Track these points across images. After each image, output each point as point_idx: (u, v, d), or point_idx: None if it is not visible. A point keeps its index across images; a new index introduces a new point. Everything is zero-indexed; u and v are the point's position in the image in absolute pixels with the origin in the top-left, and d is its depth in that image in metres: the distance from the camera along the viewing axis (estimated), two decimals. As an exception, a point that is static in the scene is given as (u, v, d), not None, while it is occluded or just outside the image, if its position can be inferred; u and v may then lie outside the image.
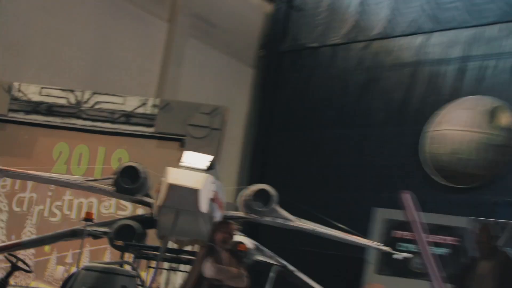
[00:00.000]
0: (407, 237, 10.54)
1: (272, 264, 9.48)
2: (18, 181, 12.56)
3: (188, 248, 9.02)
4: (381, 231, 10.90)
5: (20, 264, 8.36)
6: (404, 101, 14.60)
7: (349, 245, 10.02)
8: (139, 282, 7.08)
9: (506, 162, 12.79)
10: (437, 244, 10.52)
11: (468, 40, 14.05)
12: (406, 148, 14.22)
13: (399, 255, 9.48)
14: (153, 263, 8.40)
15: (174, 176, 7.58)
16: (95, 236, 9.53)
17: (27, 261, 9.71)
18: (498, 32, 13.74)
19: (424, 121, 13.91)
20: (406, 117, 14.49)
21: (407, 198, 9.64)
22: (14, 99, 12.96)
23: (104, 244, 10.29)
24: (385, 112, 14.74)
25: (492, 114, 13.13)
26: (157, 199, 7.94)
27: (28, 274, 10.42)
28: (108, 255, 11.84)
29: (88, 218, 8.90)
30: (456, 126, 13.35)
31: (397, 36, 15.25)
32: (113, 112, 13.06)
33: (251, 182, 12.59)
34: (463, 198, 12.75)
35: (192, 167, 7.94)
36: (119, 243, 8.84)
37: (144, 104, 13.10)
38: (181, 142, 12.68)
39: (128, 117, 13.03)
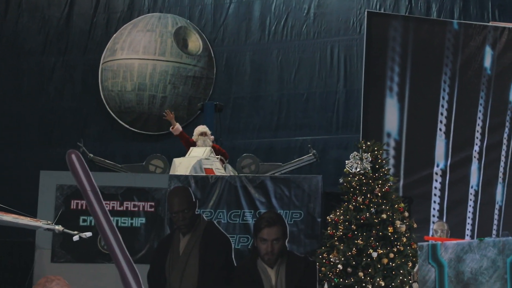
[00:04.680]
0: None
1: None
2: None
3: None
4: (56, 202, 9.70)
5: None
6: (67, 21, 13.11)
7: (10, 228, 8.91)
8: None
9: (205, 98, 12.37)
10: (131, 213, 9.74)
11: None
12: (78, 85, 12.97)
13: (75, 235, 8.49)
14: None
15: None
16: None
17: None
18: None
19: (95, 48, 12.87)
20: (72, 43, 13.06)
21: (74, 158, 8.89)
22: None
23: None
24: (43, 36, 13.18)
25: (178, 36, 12.68)
26: None
27: None
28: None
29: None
30: (136, 54, 12.61)
31: None
32: None
33: None
34: (160, 147, 12.11)
35: None
36: None
37: None
38: None
39: None
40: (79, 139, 11.22)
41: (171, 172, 9.66)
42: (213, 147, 9.90)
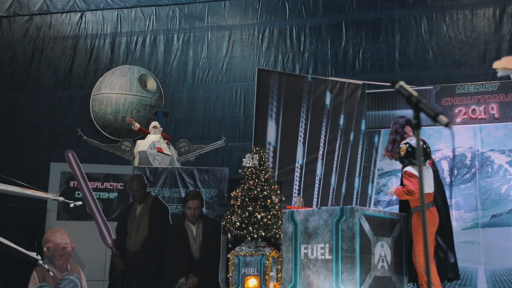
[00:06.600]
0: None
1: None
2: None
3: None
4: (60, 182, 9.35)
5: None
6: (70, 68, 12.81)
7: (30, 198, 8.50)
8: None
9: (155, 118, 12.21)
10: (108, 190, 9.47)
11: (116, 19, 12.87)
12: (76, 109, 12.56)
13: (71, 203, 8.21)
14: None
15: None
16: None
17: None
18: (140, 14, 12.88)
19: (88, 86, 12.52)
20: (73, 83, 12.68)
21: (70, 156, 8.82)
22: None
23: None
24: (55, 78, 12.75)
25: (141, 80, 12.50)
26: None
27: None
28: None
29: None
30: (114, 90, 12.38)
31: (55, 12, 13.19)
32: None
33: None
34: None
35: None
36: None
37: None
38: None
39: None
40: (78, 127, 11.05)
41: (135, 148, 9.39)
42: (162, 135, 9.72)
